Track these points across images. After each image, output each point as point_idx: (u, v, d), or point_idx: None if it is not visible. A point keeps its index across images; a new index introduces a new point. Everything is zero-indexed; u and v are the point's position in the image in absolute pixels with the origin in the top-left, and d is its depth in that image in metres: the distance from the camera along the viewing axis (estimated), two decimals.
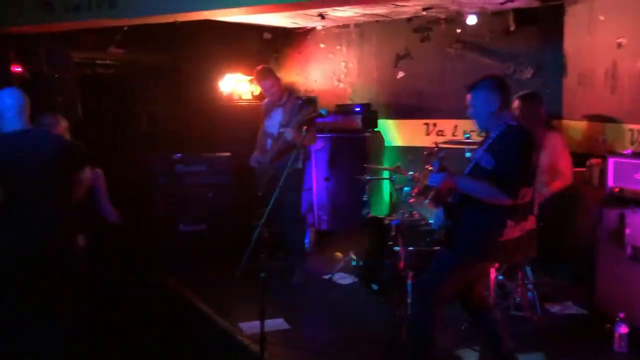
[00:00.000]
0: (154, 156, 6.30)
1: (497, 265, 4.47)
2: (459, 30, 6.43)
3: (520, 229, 3.50)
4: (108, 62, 6.89)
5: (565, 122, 5.83)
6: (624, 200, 4.25)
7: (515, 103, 5.05)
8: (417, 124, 6.77)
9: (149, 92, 7.12)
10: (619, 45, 5.14)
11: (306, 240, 6.35)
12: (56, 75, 6.10)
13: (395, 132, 6.99)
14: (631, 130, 5.06)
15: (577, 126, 5.69)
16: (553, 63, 5.95)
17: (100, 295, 4.93)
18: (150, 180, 6.11)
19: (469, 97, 3.57)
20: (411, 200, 5.07)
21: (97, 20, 5.63)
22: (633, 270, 4.13)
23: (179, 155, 6.21)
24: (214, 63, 7.03)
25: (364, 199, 5.77)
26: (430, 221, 3.76)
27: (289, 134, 5.42)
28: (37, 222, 3.66)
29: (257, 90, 7.03)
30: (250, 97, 7.21)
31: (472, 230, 3.48)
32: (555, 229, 5.12)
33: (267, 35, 7.50)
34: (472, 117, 3.58)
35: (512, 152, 3.37)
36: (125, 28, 6.15)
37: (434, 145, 3.74)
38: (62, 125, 4.75)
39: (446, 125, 6.60)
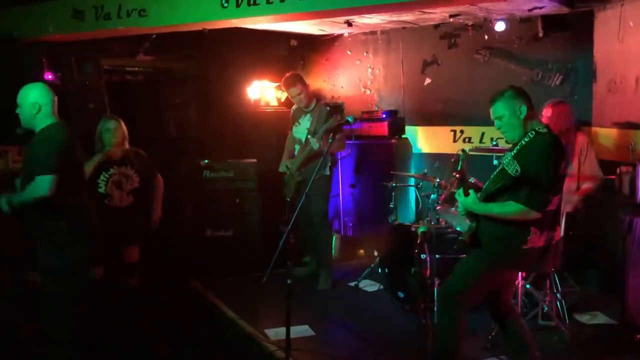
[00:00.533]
0: (182, 162, 6.38)
1: (523, 274, 4.43)
2: (486, 37, 6.39)
3: (546, 239, 3.45)
4: (137, 69, 6.99)
5: (595, 129, 5.75)
6: None
7: (545, 110, 5.03)
8: (444, 131, 6.74)
9: (177, 98, 7.21)
10: None
11: (332, 247, 6.35)
12: (87, 83, 6.21)
13: (422, 139, 6.96)
14: None
15: (606, 133, 5.61)
16: (582, 69, 5.88)
17: (128, 299, 5.00)
18: (178, 186, 6.17)
19: (493, 111, 3.54)
20: (438, 208, 5.05)
21: (127, 29, 5.73)
22: None
23: (206, 161, 6.27)
24: (241, 70, 7.09)
25: (390, 205, 5.76)
26: (457, 228, 3.73)
27: (315, 143, 5.45)
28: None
29: (283, 96, 7.07)
30: (276, 103, 7.25)
31: (496, 236, 3.45)
32: (584, 237, 5.07)
33: (293, 42, 7.53)
34: (500, 129, 3.55)
35: (542, 161, 3.34)
36: (154, 36, 6.24)
37: (460, 152, 3.71)
38: (124, 128, 5.09)
39: (473, 132, 6.56)
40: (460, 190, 3.49)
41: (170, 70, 7.13)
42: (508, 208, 3.36)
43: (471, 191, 3.46)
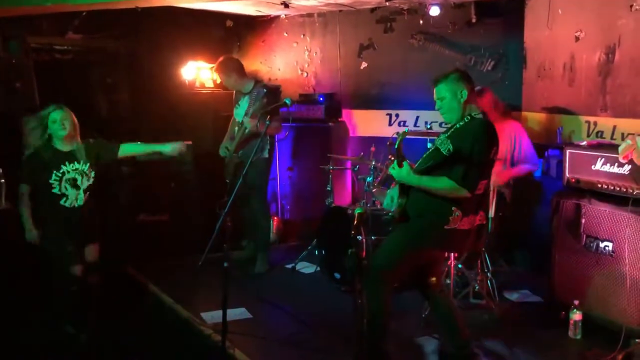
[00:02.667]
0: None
1: (449, 254, 4.54)
2: (421, 22, 6.46)
3: (470, 223, 3.55)
4: (66, 47, 6.74)
5: (525, 113, 5.93)
6: (581, 191, 4.36)
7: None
8: (380, 115, 6.80)
9: (109, 79, 7.00)
10: (577, 38, 5.25)
11: (270, 230, 6.34)
12: (13, 61, 5.96)
13: (358, 122, 7.01)
14: (588, 122, 5.18)
15: (535, 118, 5.79)
16: (513, 55, 6.03)
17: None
18: (110, 169, 6.01)
19: (436, 91, 3.61)
20: (374, 190, 5.11)
21: (56, 5, 5.50)
22: (588, 259, 4.25)
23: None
24: (175, 50, 6.93)
25: (327, 188, 5.80)
26: (386, 206, 3.83)
27: (248, 123, 5.41)
28: None
29: (219, 78, 6.96)
30: (212, 85, 7.14)
31: (420, 214, 3.54)
32: (513, 218, 5.23)
33: (229, 23, 7.42)
34: (440, 109, 3.62)
35: (476, 143, 3.43)
36: (84, 13, 6.03)
37: (395, 135, 3.77)
38: (73, 117, 4.59)
39: (408, 115, 6.65)
40: (395, 164, 3.57)
41: (102, 50, 6.90)
42: (440, 183, 3.44)
43: (405, 163, 3.53)
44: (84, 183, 4.54)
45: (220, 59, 5.67)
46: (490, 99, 5.08)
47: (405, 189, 3.62)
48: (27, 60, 6.10)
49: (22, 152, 5.15)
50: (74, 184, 4.50)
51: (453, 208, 3.46)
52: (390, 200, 3.73)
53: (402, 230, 3.62)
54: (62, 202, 4.48)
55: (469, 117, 3.55)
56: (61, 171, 4.45)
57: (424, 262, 3.74)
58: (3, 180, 4.78)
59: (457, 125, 3.56)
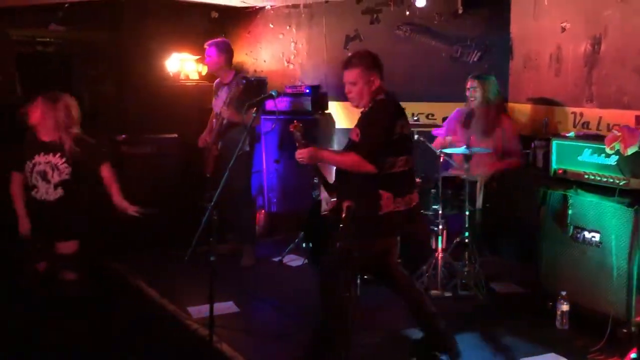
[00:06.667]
0: (98, 138, 6.11)
1: (444, 245, 4.52)
2: (407, 13, 6.43)
3: (406, 203, 3.55)
4: (49, 39, 6.66)
5: (511, 104, 5.92)
6: (567, 181, 4.36)
7: (469, 83, 5.22)
8: None
9: (92, 71, 6.92)
10: (563, 29, 5.24)
11: (256, 223, 6.30)
12: None
13: (345, 115, 6.98)
14: (574, 113, 5.18)
15: (522, 109, 5.79)
16: (500, 46, 6.02)
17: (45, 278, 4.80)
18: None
19: (348, 74, 3.61)
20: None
21: None
22: (575, 250, 4.25)
23: (123, 136, 6.05)
24: (159, 42, 6.87)
25: (314, 181, 5.76)
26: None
27: (226, 112, 5.37)
28: None
29: (204, 70, 6.92)
30: (197, 77, 7.08)
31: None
32: (500, 209, 5.23)
33: (214, 14, 7.37)
34: (349, 94, 3.65)
35: (373, 122, 3.52)
36: (67, 5, 5.95)
37: (297, 123, 3.77)
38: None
39: None
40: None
41: (85, 42, 6.82)
42: (346, 157, 3.54)
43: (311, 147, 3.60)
44: (55, 177, 4.40)
45: (219, 38, 5.65)
46: (488, 85, 5.23)
47: (332, 187, 3.66)
48: (10, 52, 6.01)
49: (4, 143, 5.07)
50: (44, 176, 4.38)
51: (380, 192, 3.47)
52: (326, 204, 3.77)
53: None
54: (33, 193, 4.40)
55: (373, 102, 3.60)
56: (33, 161, 4.37)
57: (377, 252, 3.69)
58: None
59: (363, 112, 3.65)
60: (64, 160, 4.42)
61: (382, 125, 3.50)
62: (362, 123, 3.61)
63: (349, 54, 3.77)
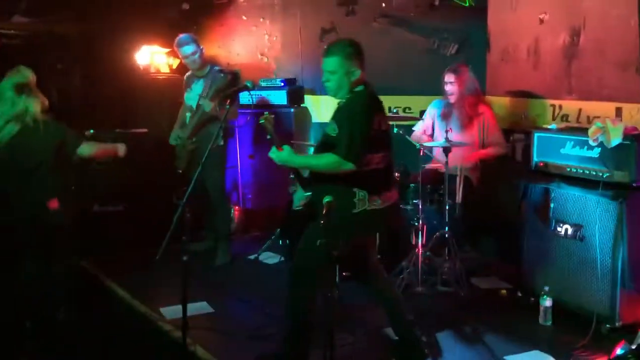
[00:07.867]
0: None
1: (423, 241, 4.45)
2: (384, 5, 6.34)
3: (384, 200, 3.43)
4: (13, 31, 6.44)
5: (489, 97, 5.86)
6: (549, 175, 4.31)
7: (447, 76, 5.15)
8: None
9: (59, 64, 6.71)
10: (541, 21, 5.20)
11: (231, 220, 6.17)
12: None
13: (321, 108, 6.87)
14: (553, 105, 5.15)
15: (500, 102, 5.73)
16: (477, 39, 5.95)
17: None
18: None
19: (327, 62, 3.46)
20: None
21: None
22: (557, 244, 4.20)
23: (92, 131, 5.88)
24: (129, 34, 6.68)
25: (291, 176, 5.63)
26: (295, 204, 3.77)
27: (208, 104, 5.22)
28: None
29: (175, 63, 6.76)
30: (168, 70, 6.91)
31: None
32: (480, 204, 5.18)
33: (185, 6, 7.19)
34: (327, 82, 3.51)
35: (351, 117, 3.35)
36: None
37: (267, 114, 3.64)
38: None
39: None
40: (274, 148, 3.48)
41: (51, 34, 6.62)
42: (324, 159, 3.35)
43: (285, 147, 3.46)
44: None
45: (180, 34, 5.51)
46: (468, 78, 5.13)
47: (307, 182, 3.54)
48: None
49: None
50: None
51: (354, 190, 3.34)
52: (298, 202, 3.62)
53: (316, 229, 3.32)
54: None
55: (350, 94, 3.46)
56: None
57: (353, 251, 3.57)
58: None
59: (340, 104, 3.50)
60: None
61: (360, 120, 3.33)
62: (339, 117, 3.44)
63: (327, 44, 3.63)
